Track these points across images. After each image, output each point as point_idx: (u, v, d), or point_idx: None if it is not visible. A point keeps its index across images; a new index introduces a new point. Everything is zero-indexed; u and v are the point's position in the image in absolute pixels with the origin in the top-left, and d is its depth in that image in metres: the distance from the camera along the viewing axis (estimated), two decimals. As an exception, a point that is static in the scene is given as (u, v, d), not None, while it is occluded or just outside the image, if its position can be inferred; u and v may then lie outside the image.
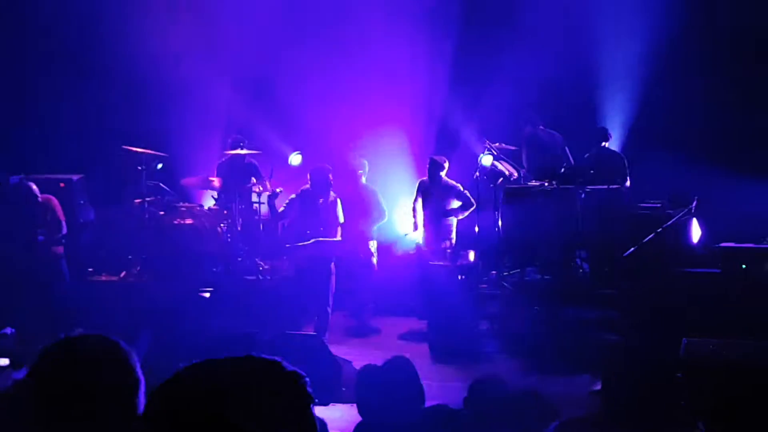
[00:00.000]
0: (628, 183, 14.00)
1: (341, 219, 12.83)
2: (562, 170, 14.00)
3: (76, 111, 16.46)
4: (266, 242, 14.72)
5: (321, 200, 12.64)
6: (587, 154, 14.21)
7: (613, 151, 14.31)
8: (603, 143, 14.23)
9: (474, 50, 16.53)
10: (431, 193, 13.97)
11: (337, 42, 16.79)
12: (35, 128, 16.54)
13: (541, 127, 14.64)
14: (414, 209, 14.18)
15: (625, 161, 14.13)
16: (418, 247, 13.87)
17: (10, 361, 10.39)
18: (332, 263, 12.68)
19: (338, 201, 12.76)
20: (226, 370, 2.49)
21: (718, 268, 11.86)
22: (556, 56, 15.85)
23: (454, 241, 13.84)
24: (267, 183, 14.67)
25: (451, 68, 16.60)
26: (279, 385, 2.48)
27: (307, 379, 2.58)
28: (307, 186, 12.69)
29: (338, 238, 12.67)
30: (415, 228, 14.12)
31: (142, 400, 3.24)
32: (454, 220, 13.93)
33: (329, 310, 12.70)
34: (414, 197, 14.22)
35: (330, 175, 12.64)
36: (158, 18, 16.70)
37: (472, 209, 13.85)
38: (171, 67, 16.71)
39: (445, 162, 13.90)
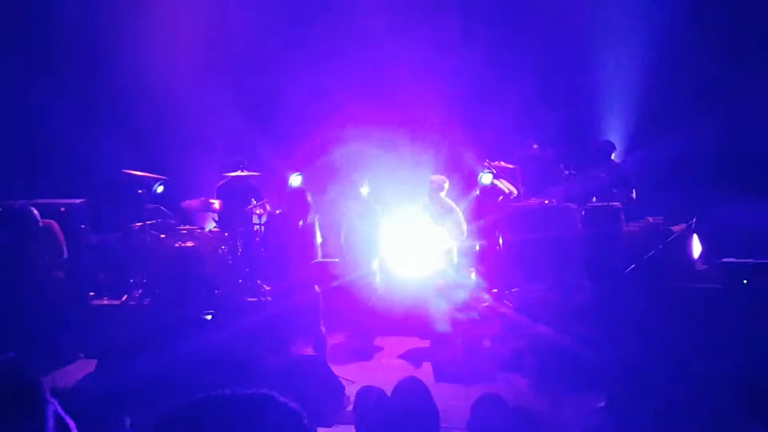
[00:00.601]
0: (634, 195, 14.00)
1: (319, 239, 12.90)
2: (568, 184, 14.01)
3: (77, 135, 16.47)
4: (267, 264, 14.70)
5: (300, 222, 12.68)
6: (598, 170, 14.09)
7: (620, 163, 14.32)
8: (611, 156, 14.20)
9: (473, 69, 16.57)
10: (434, 214, 13.97)
11: (337, 64, 16.84)
12: (37, 153, 16.57)
13: (536, 145, 14.66)
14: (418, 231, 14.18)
15: (630, 174, 14.13)
16: (421, 266, 13.85)
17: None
18: (316, 285, 12.71)
19: (317, 222, 12.83)
20: (218, 410, 2.50)
21: (720, 284, 11.86)
22: (554, 73, 15.90)
23: (455, 259, 13.84)
24: (267, 205, 14.67)
25: (450, 87, 16.62)
26: (276, 419, 2.49)
27: (303, 413, 2.58)
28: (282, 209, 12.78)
29: (319, 258, 12.69)
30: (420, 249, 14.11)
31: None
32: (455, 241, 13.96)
33: (323, 329, 12.72)
34: (417, 219, 14.22)
35: (309, 197, 12.70)
36: (157, 41, 16.74)
37: (461, 239, 13.86)
38: (171, 90, 16.74)
39: (444, 182, 13.90)
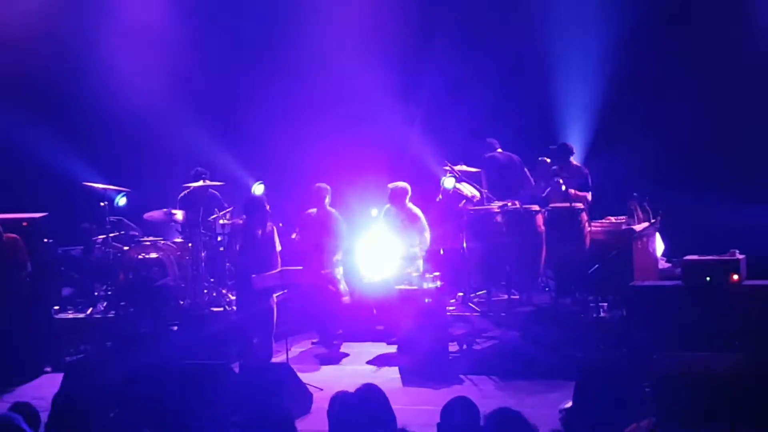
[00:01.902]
0: (590, 197, 14.05)
1: (278, 247, 12.94)
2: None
3: (36, 148, 16.39)
4: (231, 273, 14.70)
5: (260, 231, 12.69)
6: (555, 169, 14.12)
7: (577, 165, 14.36)
8: (570, 158, 14.23)
9: (433, 71, 16.63)
10: (396, 221, 14.00)
11: (295, 68, 16.87)
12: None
13: (499, 150, 14.72)
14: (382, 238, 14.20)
15: (589, 176, 14.19)
16: (385, 272, 13.87)
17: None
18: (273, 295, 12.74)
19: (275, 230, 12.87)
20: None
21: (682, 281, 11.95)
22: (513, 73, 15.97)
23: (420, 265, 13.88)
24: (228, 215, 14.66)
25: (409, 89, 16.67)
26: None
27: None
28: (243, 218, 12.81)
29: (279, 267, 12.71)
30: (384, 256, 14.12)
31: None
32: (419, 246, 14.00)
33: (273, 340, 12.77)
34: (380, 226, 14.24)
35: (266, 206, 12.72)
36: (116, 52, 16.68)
37: (425, 246, 13.91)
38: (130, 101, 16.69)
39: (405, 190, 13.90)
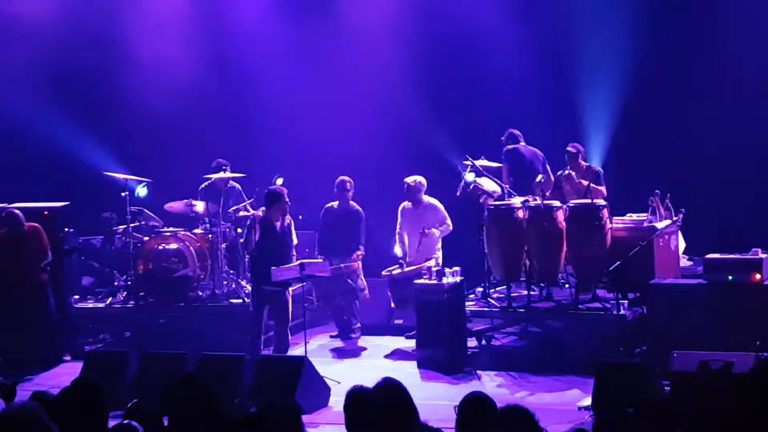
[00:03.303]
0: (605, 191, 13.97)
1: (295, 241, 12.95)
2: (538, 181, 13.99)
3: (58, 138, 16.43)
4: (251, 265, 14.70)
5: (278, 224, 12.68)
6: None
7: (587, 166, 14.28)
8: (578, 160, 14.15)
9: (455, 65, 16.58)
10: (412, 215, 13.99)
11: (316, 58, 16.82)
12: (19, 157, 16.51)
13: (523, 143, 14.64)
14: (399, 235, 14.17)
15: (602, 174, 14.10)
16: (403, 266, 13.85)
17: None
18: (289, 288, 12.75)
19: (292, 223, 12.87)
20: None
21: (704, 279, 11.88)
22: (536, 67, 15.89)
23: (440, 259, 13.86)
24: (249, 207, 14.66)
25: (431, 83, 16.61)
26: None
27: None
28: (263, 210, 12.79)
29: (295, 260, 12.72)
30: (402, 251, 14.10)
31: None
32: (438, 240, 13.98)
33: (289, 332, 12.80)
34: (398, 223, 14.22)
35: (286, 198, 12.69)
36: (141, 43, 16.70)
37: (447, 231, 13.92)
38: (153, 91, 16.71)
39: (421, 184, 13.90)
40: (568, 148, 13.99)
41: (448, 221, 13.93)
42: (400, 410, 5.83)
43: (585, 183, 13.38)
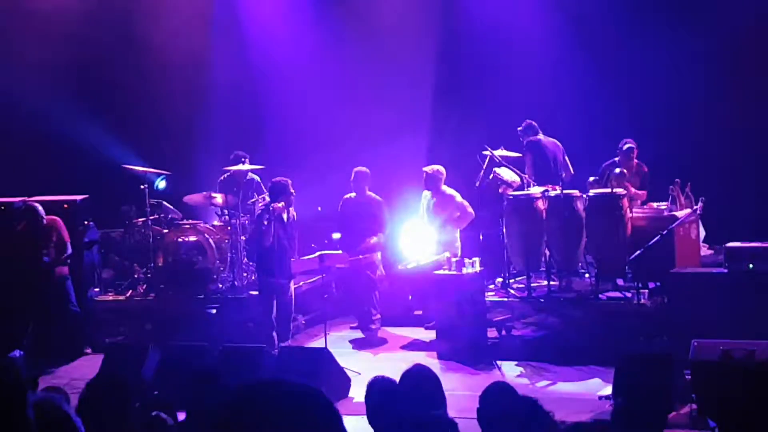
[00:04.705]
0: (645, 196, 14.06)
1: None
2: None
3: (77, 131, 16.46)
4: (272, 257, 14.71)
5: (284, 215, 12.68)
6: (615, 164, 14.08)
7: (638, 164, 14.31)
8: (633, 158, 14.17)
9: (473, 53, 16.55)
10: (432, 205, 13.95)
11: (336, 55, 16.81)
12: (38, 150, 16.56)
13: (541, 134, 14.60)
14: (420, 223, 14.15)
15: (647, 175, 14.12)
16: (424, 257, 13.83)
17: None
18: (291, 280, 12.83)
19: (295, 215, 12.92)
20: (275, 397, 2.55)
21: (725, 268, 11.83)
22: (554, 57, 15.85)
23: (459, 250, 13.82)
24: (267, 198, 14.67)
25: (449, 73, 16.59)
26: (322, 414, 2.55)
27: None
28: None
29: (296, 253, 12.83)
30: (422, 241, 14.07)
31: None
32: (457, 230, 13.95)
33: (290, 326, 12.98)
34: (420, 212, 14.18)
35: (291, 189, 12.68)
36: (156, 37, 16.72)
37: (470, 219, 13.86)
38: (170, 84, 16.74)
39: (439, 173, 13.85)
40: (627, 144, 14.03)
41: (469, 209, 13.82)
42: (430, 397, 5.86)
43: (633, 190, 13.46)
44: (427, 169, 14.01)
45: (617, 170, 13.69)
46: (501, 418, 5.69)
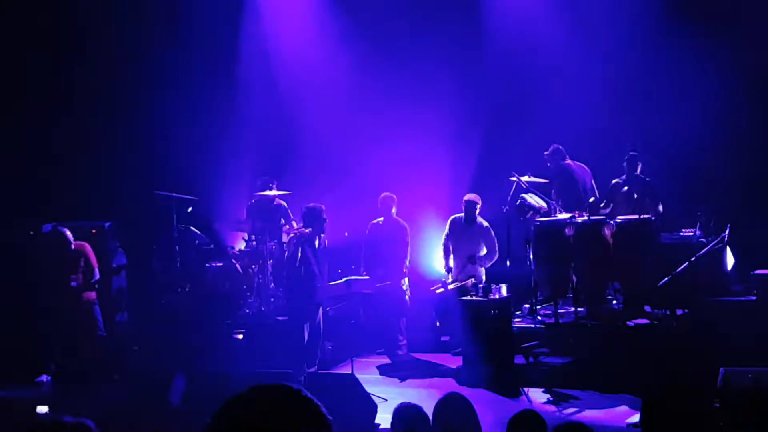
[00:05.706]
0: (661, 208, 13.88)
1: None
2: (592, 201, 13.93)
3: (107, 157, 16.54)
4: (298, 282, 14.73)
5: (317, 241, 12.69)
6: (622, 184, 13.99)
7: (643, 177, 14.17)
8: (636, 170, 14.06)
9: (500, 81, 16.54)
10: (464, 233, 13.92)
11: (367, 78, 16.82)
12: (66, 175, 16.63)
13: (568, 159, 14.57)
14: (445, 246, 14.10)
15: (653, 185, 14.02)
16: (447, 285, 13.80)
17: (49, 407, 10.41)
18: (320, 306, 12.86)
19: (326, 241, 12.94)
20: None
21: (754, 296, 11.76)
22: (578, 85, 15.82)
23: (483, 277, 13.79)
24: (295, 223, 14.69)
25: (476, 99, 16.59)
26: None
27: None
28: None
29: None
30: (447, 266, 14.04)
31: None
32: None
33: (319, 351, 12.95)
34: (445, 234, 14.15)
35: (323, 215, 12.70)
36: (185, 61, 16.79)
37: (494, 259, 13.82)
38: (200, 110, 16.82)
39: (477, 200, 13.87)
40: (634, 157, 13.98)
41: (496, 247, 13.84)
42: (466, 425, 5.84)
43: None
44: (467, 197, 14.00)
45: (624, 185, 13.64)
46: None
